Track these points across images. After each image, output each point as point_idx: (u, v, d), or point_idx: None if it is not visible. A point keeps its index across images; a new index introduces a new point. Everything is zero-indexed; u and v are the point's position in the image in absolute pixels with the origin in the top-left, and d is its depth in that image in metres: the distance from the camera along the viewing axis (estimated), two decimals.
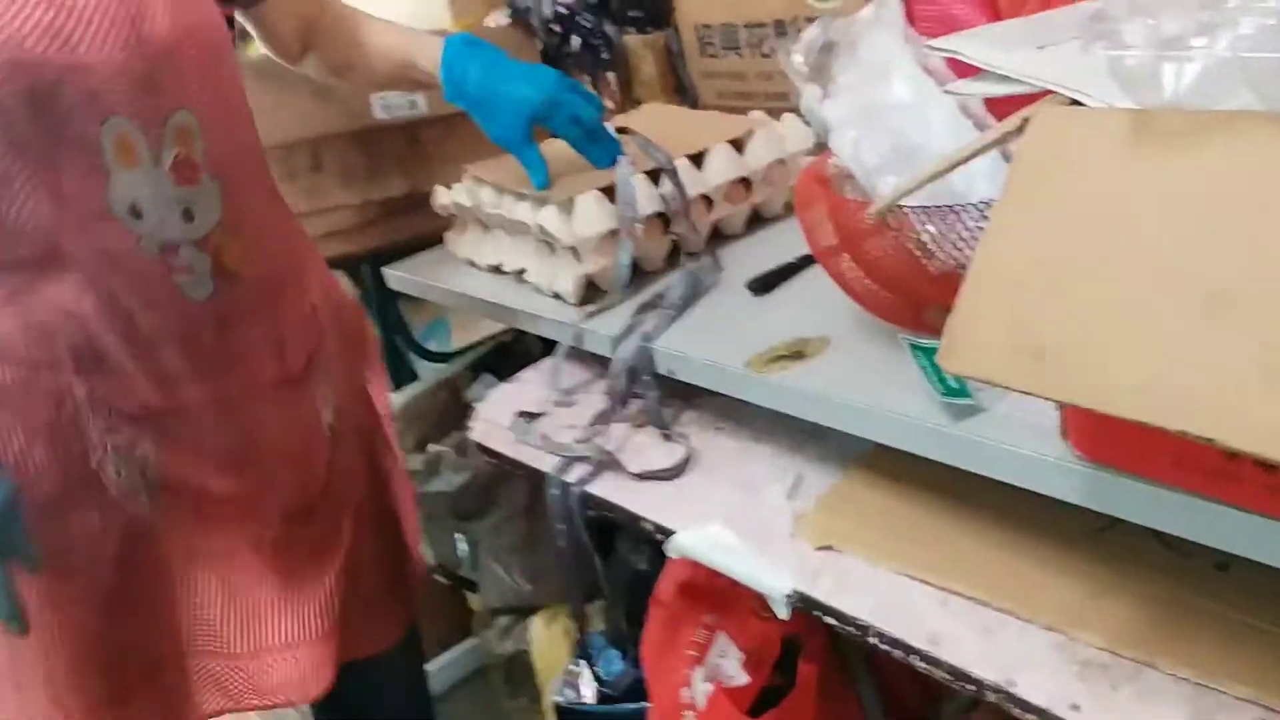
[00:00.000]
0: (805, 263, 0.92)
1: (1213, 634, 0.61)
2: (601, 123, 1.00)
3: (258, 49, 2.21)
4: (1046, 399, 0.46)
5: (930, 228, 0.70)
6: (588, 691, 1.25)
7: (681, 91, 1.31)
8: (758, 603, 0.96)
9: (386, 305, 1.69)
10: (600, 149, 1.00)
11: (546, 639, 1.49)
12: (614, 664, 1.25)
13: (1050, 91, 0.56)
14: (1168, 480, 0.55)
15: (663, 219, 1.01)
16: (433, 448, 1.43)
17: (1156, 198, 0.45)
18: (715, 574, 1.02)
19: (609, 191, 0.98)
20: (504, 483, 1.45)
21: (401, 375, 1.75)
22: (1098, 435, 0.57)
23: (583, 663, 1.29)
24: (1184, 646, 0.61)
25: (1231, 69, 0.44)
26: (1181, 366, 0.42)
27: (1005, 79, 0.58)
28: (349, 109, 1.35)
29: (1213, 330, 0.41)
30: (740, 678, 0.95)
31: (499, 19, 1.41)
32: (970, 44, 0.62)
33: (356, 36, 1.05)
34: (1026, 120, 0.53)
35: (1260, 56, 0.42)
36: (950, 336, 0.50)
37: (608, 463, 0.88)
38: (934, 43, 0.64)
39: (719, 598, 1.02)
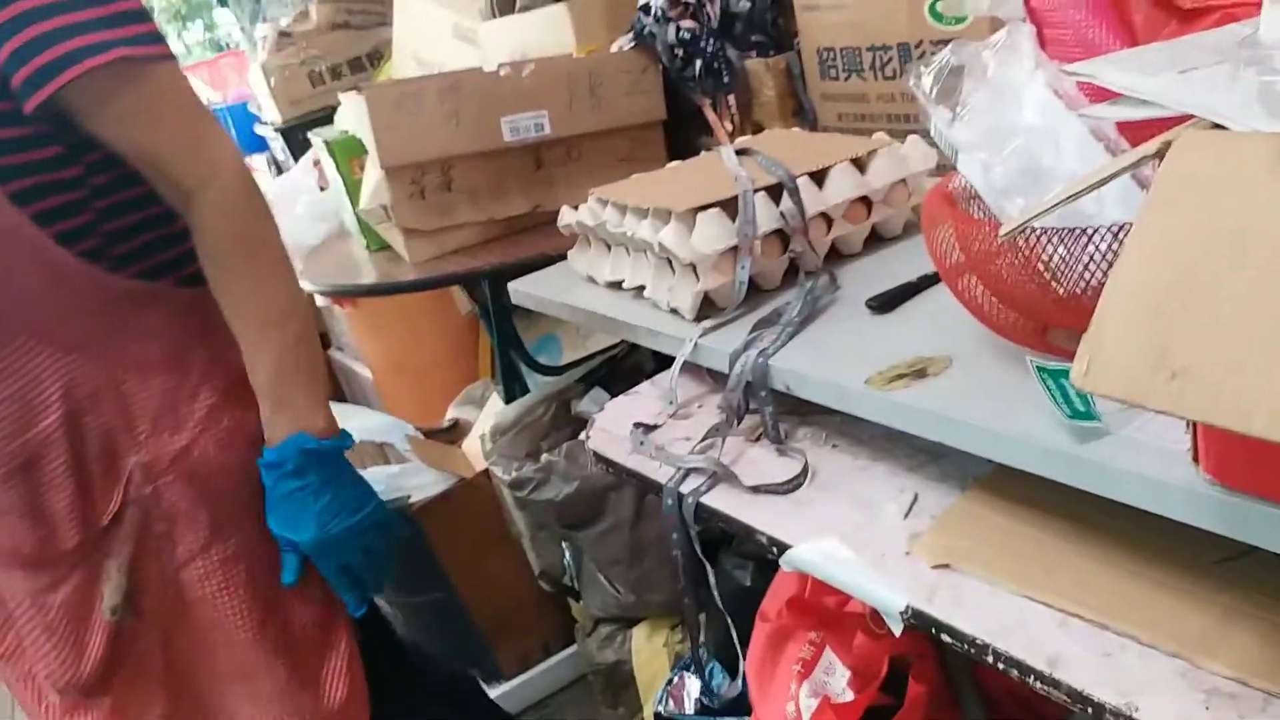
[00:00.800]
0: (926, 282, 0.93)
1: None
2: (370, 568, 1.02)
3: (386, 73, 2.32)
4: (1185, 418, 0.46)
5: (1059, 250, 0.71)
6: (689, 703, 1.27)
7: (801, 114, 1.33)
8: (867, 620, 0.97)
9: (502, 320, 1.76)
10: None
11: (648, 650, 1.51)
12: (717, 676, 1.26)
13: (1191, 116, 0.56)
14: None
15: (781, 237, 1.03)
16: (545, 457, 1.48)
17: None
18: (822, 590, 1.03)
19: (728, 208, 1.00)
20: (611, 494, 1.48)
21: (514, 387, 1.81)
22: (1232, 459, 0.56)
23: (685, 674, 1.31)
24: None
25: None
26: None
27: (1145, 103, 0.59)
28: (479, 130, 1.42)
29: None
30: (846, 695, 0.95)
31: (623, 44, 1.45)
32: (1109, 69, 0.62)
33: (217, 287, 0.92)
34: (1167, 144, 0.53)
35: None
36: (1085, 356, 0.51)
37: (722, 475, 0.90)
38: (1071, 67, 0.65)
39: (826, 614, 1.03)
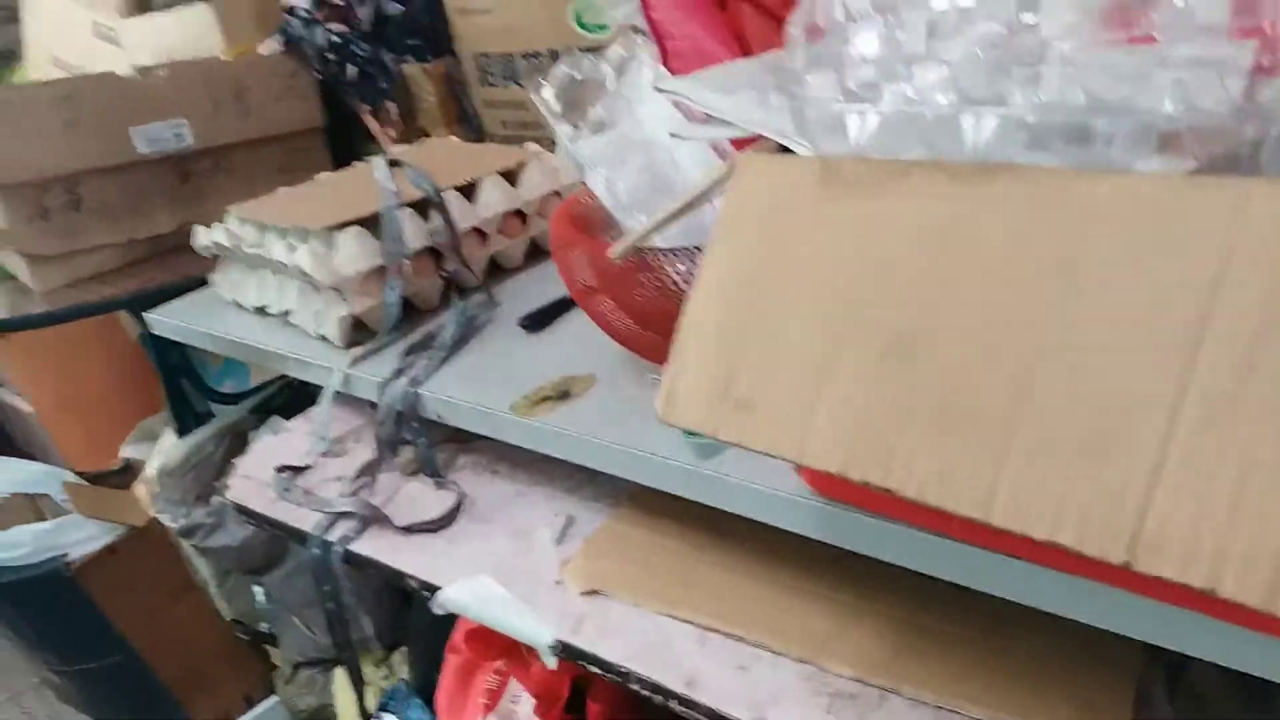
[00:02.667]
0: None
1: (951, 655, 0.63)
2: None
3: (20, 77, 2.04)
4: (748, 449, 0.46)
5: (680, 266, 0.70)
6: None
7: (465, 121, 1.29)
8: None
9: (165, 346, 1.58)
10: None
11: (350, 692, 1.42)
12: (414, 712, 1.20)
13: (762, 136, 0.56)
14: (891, 514, 0.56)
15: (436, 254, 0.98)
16: (216, 499, 1.35)
17: (843, 245, 0.46)
18: None
19: (373, 226, 0.94)
20: None
21: (187, 419, 1.64)
22: (823, 473, 0.57)
23: (383, 715, 1.24)
24: (925, 670, 0.63)
25: (906, 122, 0.45)
26: (862, 416, 0.42)
27: (726, 123, 0.59)
28: (107, 141, 1.27)
29: (890, 379, 0.42)
30: None
31: (272, 46, 1.34)
32: (695, 87, 0.62)
33: None
34: (734, 166, 0.53)
35: (927, 111, 0.43)
36: (666, 386, 0.50)
37: (372, 517, 0.84)
38: (664, 84, 0.64)
39: (508, 644, 0.99)
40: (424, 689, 1.27)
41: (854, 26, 0.45)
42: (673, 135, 0.64)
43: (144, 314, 1.12)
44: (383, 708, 1.25)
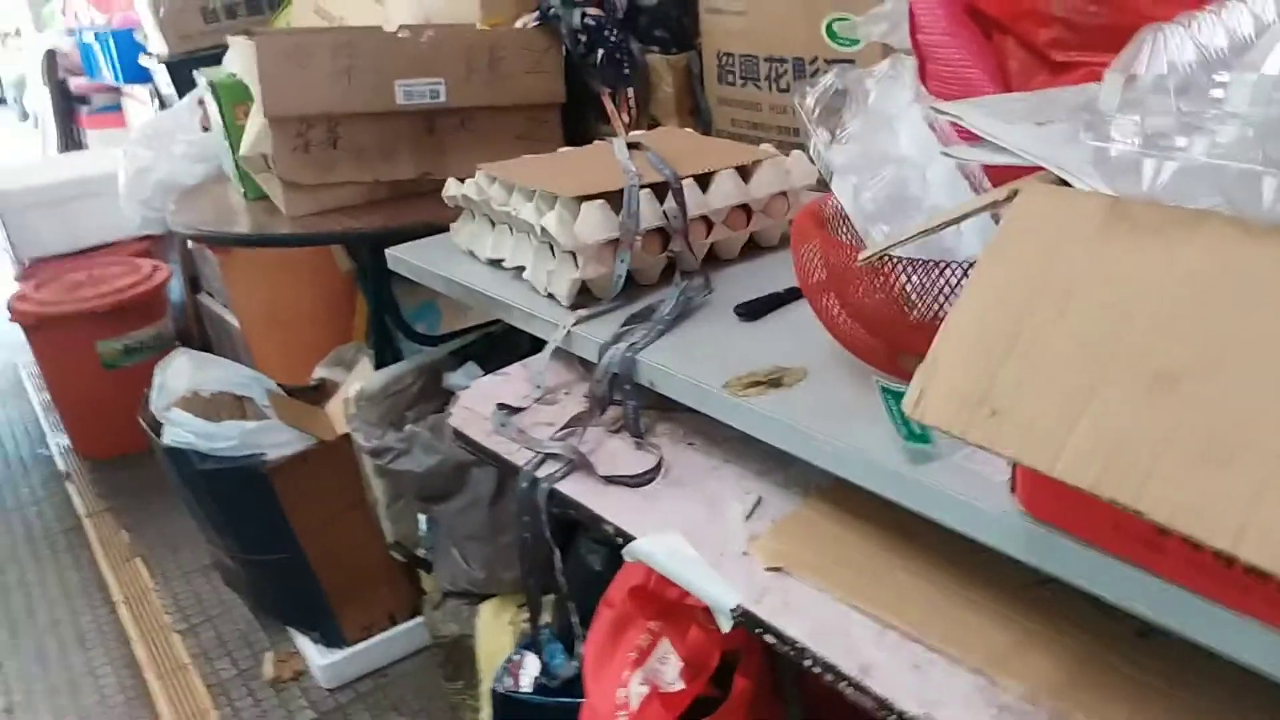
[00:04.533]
0: (793, 295, 0.96)
1: (1126, 694, 0.65)
2: None
3: (284, 18, 2.23)
4: (997, 454, 0.49)
5: (915, 278, 0.74)
6: (527, 681, 1.28)
7: (696, 114, 1.35)
8: (703, 615, 0.99)
9: (380, 283, 1.72)
10: None
11: (493, 627, 1.51)
12: (556, 657, 1.28)
13: (1041, 168, 0.59)
14: (1103, 545, 0.58)
15: (662, 235, 1.05)
16: (409, 428, 1.46)
17: (1122, 281, 0.49)
18: (665, 582, 1.05)
19: (614, 201, 1.01)
20: (473, 470, 1.47)
21: (386, 353, 1.78)
22: (1043, 495, 0.60)
23: (526, 653, 1.32)
24: (1098, 703, 0.65)
25: (1205, 172, 0.48)
26: (1122, 439, 0.45)
27: (1001, 150, 0.62)
28: (371, 90, 1.39)
29: (1155, 408, 0.45)
30: (677, 684, 0.98)
31: (528, 22, 1.44)
32: (974, 113, 0.65)
33: None
34: (1014, 193, 0.56)
35: (1232, 165, 0.46)
36: (918, 386, 0.54)
37: (579, 463, 0.91)
38: (942, 106, 0.68)
39: (666, 606, 1.05)
40: (563, 636, 1.34)
41: (1175, 76, 0.48)
42: (944, 153, 0.67)
43: (386, 250, 1.23)
44: (525, 647, 1.33)
